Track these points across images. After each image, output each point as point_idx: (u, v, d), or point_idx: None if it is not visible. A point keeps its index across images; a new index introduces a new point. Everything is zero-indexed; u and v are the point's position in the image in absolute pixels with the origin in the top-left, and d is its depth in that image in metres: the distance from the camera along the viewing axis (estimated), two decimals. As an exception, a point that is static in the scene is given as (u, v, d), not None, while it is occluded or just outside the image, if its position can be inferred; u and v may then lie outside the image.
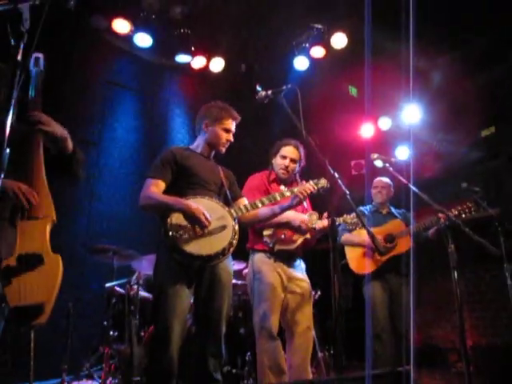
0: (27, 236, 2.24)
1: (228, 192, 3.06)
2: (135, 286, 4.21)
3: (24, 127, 2.50)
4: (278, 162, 3.59)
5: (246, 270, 4.57)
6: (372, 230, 4.16)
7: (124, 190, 5.95)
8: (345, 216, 3.50)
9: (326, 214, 3.29)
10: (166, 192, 2.87)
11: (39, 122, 2.37)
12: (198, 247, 2.68)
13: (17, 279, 2.16)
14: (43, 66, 2.60)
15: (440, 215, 3.88)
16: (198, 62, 6.39)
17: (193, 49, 6.22)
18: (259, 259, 3.41)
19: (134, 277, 4.39)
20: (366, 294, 4.31)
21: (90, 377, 4.41)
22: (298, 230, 3.37)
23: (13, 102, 1.62)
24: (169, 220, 2.70)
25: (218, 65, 6.46)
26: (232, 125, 3.12)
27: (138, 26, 5.85)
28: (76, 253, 4.81)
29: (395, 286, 4.24)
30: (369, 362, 3.76)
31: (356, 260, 4.32)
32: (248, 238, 3.56)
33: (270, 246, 3.36)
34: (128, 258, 4.38)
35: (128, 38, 5.94)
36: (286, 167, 3.55)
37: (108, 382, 3.92)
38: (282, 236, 3.37)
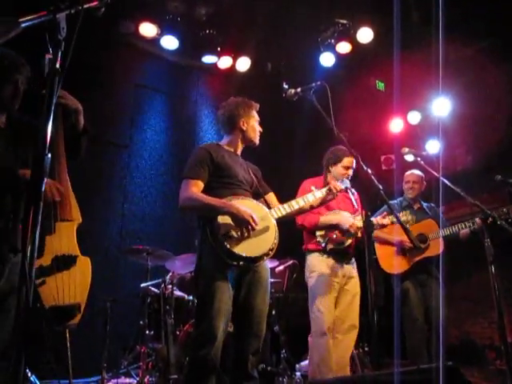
0: (59, 237, 2.30)
1: (259, 189, 3.09)
2: (169, 286, 4.27)
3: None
4: (340, 172, 3.66)
5: (279, 268, 4.62)
6: (394, 227, 4.18)
7: (155, 190, 6.06)
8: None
9: (384, 213, 3.49)
10: (203, 192, 2.87)
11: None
12: (245, 248, 2.70)
13: (51, 279, 2.21)
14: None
15: (477, 220, 3.76)
16: (225, 62, 6.44)
17: (219, 49, 6.27)
18: (314, 258, 3.58)
19: (168, 277, 4.45)
20: (396, 293, 4.25)
21: (128, 374, 4.51)
22: (346, 232, 3.51)
23: (52, 108, 1.66)
24: (216, 222, 2.70)
25: (244, 64, 6.50)
26: (257, 115, 3.19)
27: (164, 29, 5.94)
28: (111, 254, 4.92)
29: (428, 286, 4.19)
30: (397, 360, 3.75)
31: (386, 259, 4.27)
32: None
33: (323, 245, 3.52)
34: (162, 258, 4.45)
35: (155, 41, 6.04)
36: (348, 177, 3.60)
37: (146, 379, 3.99)
38: (334, 236, 3.52)
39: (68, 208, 2.35)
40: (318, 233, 3.56)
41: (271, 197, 3.18)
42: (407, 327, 4.11)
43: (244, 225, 2.70)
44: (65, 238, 2.31)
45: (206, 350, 2.63)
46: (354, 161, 3.61)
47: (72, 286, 2.22)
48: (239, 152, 3.17)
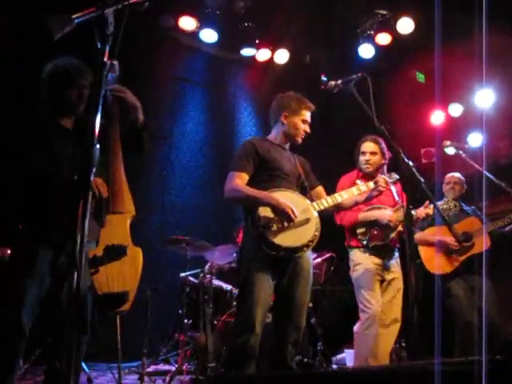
0: (112, 229, 2.42)
1: (306, 182, 3.12)
2: (208, 276, 4.35)
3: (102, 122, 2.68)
4: (361, 159, 3.71)
5: (317, 260, 4.62)
6: (436, 228, 4.13)
7: (195, 182, 6.17)
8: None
9: (427, 203, 3.41)
10: (248, 184, 2.93)
11: (114, 89, 2.55)
12: (285, 239, 2.77)
13: (104, 268, 2.33)
14: (118, 71, 2.76)
15: None
16: (263, 55, 6.44)
17: (257, 42, 6.26)
18: (356, 254, 3.59)
19: (207, 267, 4.54)
20: (437, 293, 4.17)
21: (167, 361, 4.62)
22: (386, 227, 3.48)
23: (100, 100, 1.72)
24: (257, 213, 2.78)
25: (282, 57, 6.47)
26: (308, 116, 3.15)
27: (203, 22, 5.98)
28: (151, 244, 5.03)
29: (475, 285, 4.04)
30: (438, 355, 3.70)
31: (431, 260, 4.15)
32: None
33: (364, 243, 3.53)
34: (201, 249, 4.52)
35: (194, 35, 6.09)
36: (368, 161, 3.65)
37: (184, 367, 4.08)
38: (375, 232, 3.51)
39: (121, 201, 2.46)
40: (359, 230, 3.55)
41: (319, 190, 3.20)
42: (459, 324, 4.00)
43: (284, 216, 2.76)
44: (116, 230, 2.42)
45: (244, 337, 2.69)
46: (379, 145, 3.64)
47: (122, 275, 2.34)
48: (285, 145, 3.19)
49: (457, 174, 4.43)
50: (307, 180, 3.14)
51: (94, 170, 1.62)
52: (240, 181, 2.89)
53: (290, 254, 2.80)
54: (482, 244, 4.00)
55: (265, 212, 2.79)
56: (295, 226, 2.81)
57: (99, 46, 1.77)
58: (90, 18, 1.64)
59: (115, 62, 2.80)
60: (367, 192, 3.20)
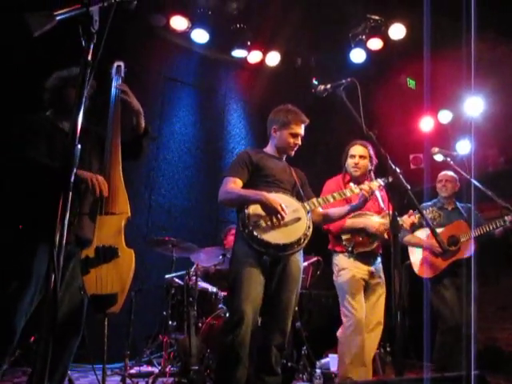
0: (104, 230, 2.39)
1: (301, 191, 3.13)
2: (194, 278, 4.31)
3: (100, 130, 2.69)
4: (349, 162, 3.69)
5: (304, 264, 4.61)
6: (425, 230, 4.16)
7: (182, 183, 6.14)
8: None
9: (411, 212, 3.42)
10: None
11: (122, 90, 2.62)
12: (274, 236, 2.78)
13: (95, 270, 2.30)
14: (124, 73, 2.76)
15: (507, 218, 3.82)
16: (254, 57, 6.44)
17: (249, 43, 6.26)
18: (340, 258, 3.57)
19: (193, 269, 4.50)
20: (426, 297, 4.20)
21: (150, 363, 4.59)
22: (373, 235, 3.47)
23: (83, 100, 1.69)
24: (246, 211, 2.82)
25: (273, 59, 6.48)
26: (299, 129, 3.14)
27: (195, 23, 5.97)
28: (137, 245, 4.94)
29: (459, 288, 4.08)
30: (427, 364, 3.71)
31: (419, 263, 4.24)
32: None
33: (349, 249, 3.51)
34: (187, 251, 4.49)
35: (185, 35, 6.08)
36: (356, 164, 3.64)
37: (167, 369, 4.05)
38: (360, 239, 3.50)
39: (116, 201, 2.44)
40: (344, 236, 3.54)
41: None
42: (441, 328, 4.01)
43: (273, 213, 2.79)
44: (110, 231, 2.39)
45: (232, 335, 2.69)
46: (368, 150, 3.63)
47: (111, 277, 2.31)
48: (280, 156, 3.22)
49: (449, 173, 4.44)
50: (303, 190, 3.17)
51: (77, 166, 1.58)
52: (234, 185, 2.95)
53: (278, 251, 2.80)
54: (467, 250, 4.04)
55: (255, 210, 2.83)
56: (285, 225, 2.82)
57: (83, 44, 1.73)
58: (74, 16, 1.61)
59: (121, 64, 2.81)
60: (356, 198, 3.22)
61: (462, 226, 4.19)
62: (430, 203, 4.42)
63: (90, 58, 1.74)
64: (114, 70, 2.78)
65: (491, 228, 3.98)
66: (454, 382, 1.28)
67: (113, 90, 2.70)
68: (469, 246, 4.06)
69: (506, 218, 3.81)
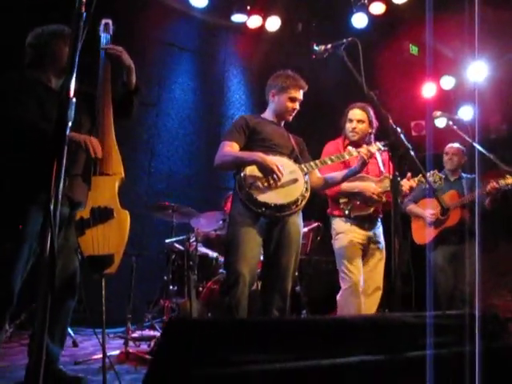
0: (99, 191, 2.38)
1: (299, 156, 3.11)
2: (194, 243, 4.33)
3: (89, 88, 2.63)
4: (347, 126, 3.64)
5: (304, 230, 4.62)
6: (427, 200, 4.34)
7: (182, 149, 6.12)
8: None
9: (409, 175, 3.35)
10: None
11: (110, 47, 2.57)
12: (271, 197, 2.79)
13: (90, 231, 2.30)
14: (112, 31, 2.70)
15: (489, 186, 3.93)
16: (254, 22, 6.31)
17: (248, 8, 6.15)
18: (338, 223, 3.55)
19: (193, 234, 4.52)
20: (428, 260, 4.34)
21: (152, 327, 4.64)
22: (369, 199, 3.43)
23: (77, 55, 1.63)
24: (243, 173, 2.82)
25: (274, 24, 6.34)
26: (298, 93, 3.12)
27: (193, -14, 5.83)
28: (137, 210, 4.96)
29: (455, 254, 4.26)
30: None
31: (417, 232, 4.46)
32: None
33: (346, 212, 3.48)
34: (187, 216, 4.49)
35: (184, -1, 5.94)
36: (354, 129, 3.59)
37: (169, 333, 4.09)
38: (357, 203, 3.46)
39: (109, 162, 2.43)
40: (342, 200, 3.51)
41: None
42: (437, 294, 4.21)
43: (269, 173, 2.80)
44: (104, 192, 2.37)
45: (229, 296, 2.71)
46: (367, 113, 3.58)
47: (107, 238, 2.30)
48: (278, 122, 3.20)
49: (456, 145, 4.50)
50: (301, 156, 3.15)
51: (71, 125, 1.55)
52: (230, 148, 2.94)
53: (275, 212, 2.80)
54: (455, 217, 4.23)
55: (251, 172, 2.83)
56: (282, 186, 2.83)
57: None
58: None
59: (109, 21, 2.75)
60: (355, 161, 3.19)
61: (453, 195, 4.33)
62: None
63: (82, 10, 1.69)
64: (101, 28, 2.70)
65: (474, 197, 4.10)
66: (456, 319, 1.29)
67: (101, 48, 2.65)
68: (457, 214, 4.23)
69: (487, 186, 3.93)
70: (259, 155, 2.84)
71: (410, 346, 1.20)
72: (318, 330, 1.16)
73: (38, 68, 2.57)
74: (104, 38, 2.68)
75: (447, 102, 6.56)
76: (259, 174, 2.82)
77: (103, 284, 2.40)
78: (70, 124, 1.54)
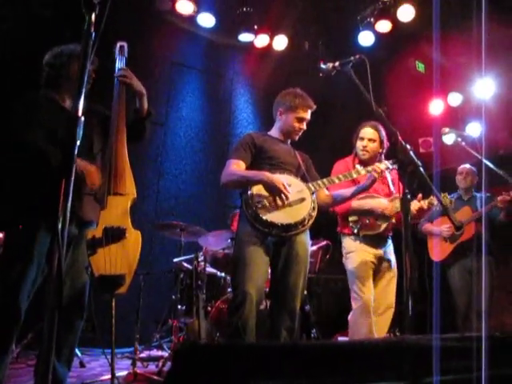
0: (112, 210, 2.38)
1: (306, 174, 3.09)
2: (202, 262, 4.30)
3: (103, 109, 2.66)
4: (358, 145, 3.63)
5: (312, 248, 4.59)
6: (442, 219, 4.42)
7: (190, 168, 6.13)
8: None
9: (419, 196, 3.33)
10: None
11: (123, 75, 2.59)
12: (278, 216, 2.76)
13: (102, 250, 2.28)
14: (127, 53, 2.73)
15: (499, 198, 4.05)
16: (261, 41, 6.36)
17: (256, 27, 6.18)
18: (347, 241, 3.53)
19: (201, 253, 4.49)
20: (436, 279, 4.34)
21: (160, 347, 4.60)
22: (380, 216, 3.41)
23: (86, 71, 1.64)
24: (249, 192, 2.80)
25: (281, 43, 6.40)
26: (306, 114, 3.10)
27: (200, 6, 5.90)
28: (145, 229, 4.96)
29: (471, 271, 4.31)
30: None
31: (433, 249, 4.54)
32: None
33: (355, 231, 3.45)
34: (195, 235, 4.48)
35: (191, 19, 6.01)
36: (365, 147, 3.57)
37: (177, 353, 4.05)
38: (367, 221, 3.43)
39: (122, 182, 2.43)
40: (351, 218, 3.48)
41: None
42: (457, 308, 4.33)
43: (276, 193, 2.77)
44: (116, 212, 2.37)
45: (236, 316, 2.67)
46: (379, 132, 3.56)
47: (119, 258, 2.29)
48: (285, 139, 3.18)
49: (468, 166, 4.62)
50: (308, 173, 3.13)
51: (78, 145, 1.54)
52: (236, 167, 2.92)
53: (282, 231, 2.77)
54: (470, 231, 4.31)
55: (258, 191, 2.80)
56: (289, 205, 2.80)
57: (86, 15, 1.69)
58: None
59: (124, 44, 2.78)
60: (364, 179, 3.17)
61: (467, 211, 4.43)
62: (451, 196, 4.44)
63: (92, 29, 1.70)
64: (117, 50, 2.74)
65: (487, 210, 4.22)
66: (467, 341, 1.26)
67: (116, 70, 2.68)
68: (471, 228, 4.32)
69: (498, 198, 4.07)
70: (266, 174, 2.82)
71: (427, 372, 1.17)
72: (332, 355, 1.13)
73: (54, 88, 2.61)
74: (119, 60, 2.71)
75: (455, 118, 6.55)
76: (266, 193, 2.79)
77: (113, 304, 2.38)
78: (78, 143, 1.54)
